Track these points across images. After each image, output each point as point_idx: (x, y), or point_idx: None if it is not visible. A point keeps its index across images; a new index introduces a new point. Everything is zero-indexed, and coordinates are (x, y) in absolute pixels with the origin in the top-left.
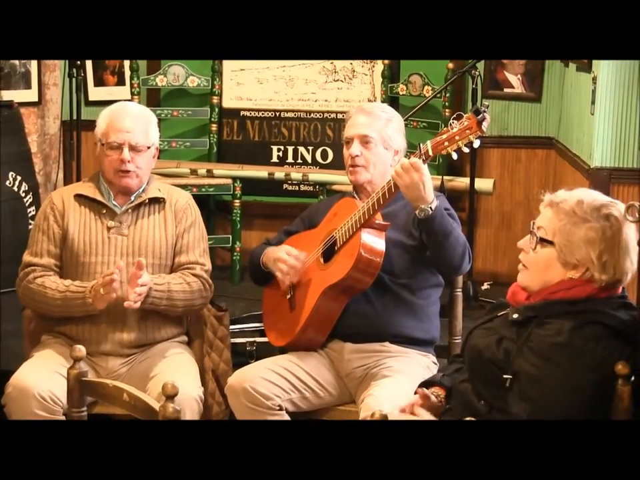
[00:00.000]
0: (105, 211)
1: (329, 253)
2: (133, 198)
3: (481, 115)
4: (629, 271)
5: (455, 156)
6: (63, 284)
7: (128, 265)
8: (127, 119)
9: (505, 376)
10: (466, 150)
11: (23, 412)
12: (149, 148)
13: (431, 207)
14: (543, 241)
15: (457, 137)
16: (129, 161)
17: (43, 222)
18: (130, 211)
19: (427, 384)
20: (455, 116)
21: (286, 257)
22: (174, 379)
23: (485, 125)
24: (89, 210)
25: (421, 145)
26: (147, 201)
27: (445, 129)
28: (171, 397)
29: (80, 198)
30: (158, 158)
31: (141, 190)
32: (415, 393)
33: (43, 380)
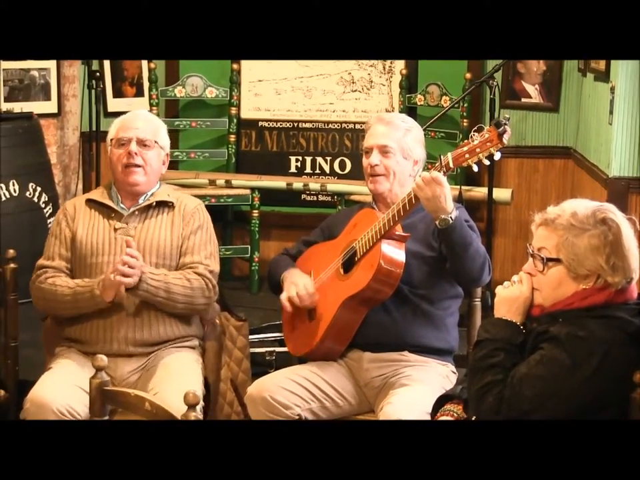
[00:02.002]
0: (113, 214)
1: (348, 264)
2: (141, 200)
3: (502, 127)
4: (637, 267)
5: (475, 168)
6: (73, 281)
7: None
8: (137, 119)
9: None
10: (487, 162)
11: None
12: (156, 144)
13: (451, 217)
14: (550, 261)
15: (477, 149)
16: (135, 153)
17: (55, 227)
18: (137, 212)
19: (444, 398)
20: (475, 128)
21: (300, 287)
22: (175, 396)
23: (505, 137)
24: (98, 213)
25: (442, 156)
26: (155, 203)
27: (466, 141)
28: (192, 406)
29: (90, 202)
30: (176, 168)
31: (149, 193)
32: (434, 418)
33: (61, 394)
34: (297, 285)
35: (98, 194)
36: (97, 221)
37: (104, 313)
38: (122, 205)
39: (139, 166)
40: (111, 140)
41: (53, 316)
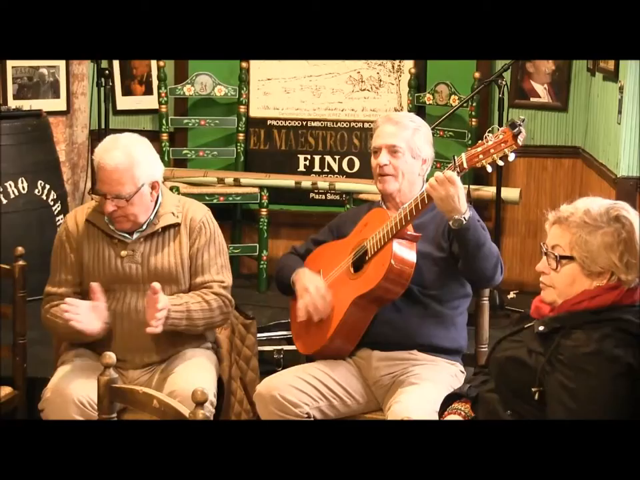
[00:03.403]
0: (116, 241)
1: (359, 263)
2: (144, 227)
3: (517, 128)
4: None
5: (489, 169)
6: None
7: (145, 291)
8: (108, 170)
9: (533, 389)
10: (501, 163)
11: (62, 417)
12: (138, 190)
13: (464, 217)
14: (563, 258)
15: (492, 150)
16: (114, 210)
17: (60, 251)
18: (142, 240)
19: (452, 397)
20: (490, 129)
21: (313, 292)
22: (187, 377)
23: (520, 138)
24: (101, 238)
25: (456, 157)
26: (160, 230)
27: (480, 142)
28: (200, 404)
29: (91, 225)
30: (185, 167)
31: (152, 216)
32: (442, 417)
33: (82, 385)
34: (309, 291)
35: (97, 217)
36: (102, 248)
37: (119, 338)
38: (122, 234)
39: (122, 216)
40: (95, 183)
41: None
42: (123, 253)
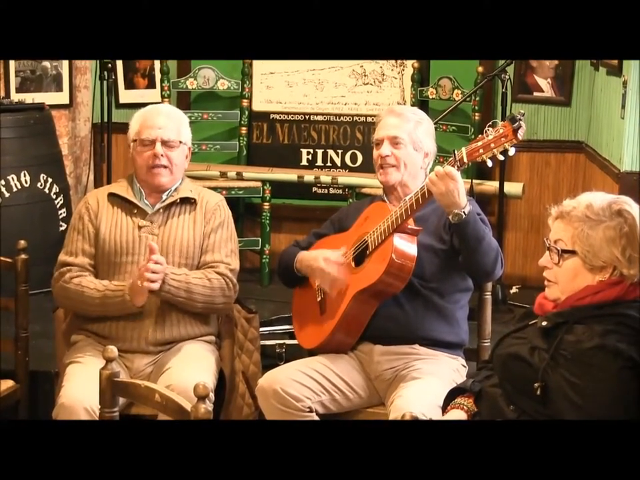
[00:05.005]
0: (136, 211)
1: (360, 257)
2: (164, 197)
3: (517, 122)
4: None
5: (489, 163)
6: (101, 284)
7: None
8: (159, 117)
9: (535, 384)
10: (501, 157)
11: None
12: (181, 143)
13: (464, 212)
14: (565, 252)
15: (492, 145)
16: (162, 155)
17: (78, 222)
18: (161, 210)
19: (455, 391)
20: (490, 123)
21: (324, 266)
22: (184, 371)
23: (520, 133)
24: (121, 209)
25: (456, 151)
26: (178, 200)
27: (480, 136)
28: (202, 398)
29: (113, 197)
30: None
31: (172, 189)
32: (445, 411)
33: (91, 395)
34: (320, 269)
35: (121, 188)
36: (121, 218)
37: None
38: (146, 202)
39: (164, 167)
40: (134, 139)
41: (76, 313)
42: (142, 222)
